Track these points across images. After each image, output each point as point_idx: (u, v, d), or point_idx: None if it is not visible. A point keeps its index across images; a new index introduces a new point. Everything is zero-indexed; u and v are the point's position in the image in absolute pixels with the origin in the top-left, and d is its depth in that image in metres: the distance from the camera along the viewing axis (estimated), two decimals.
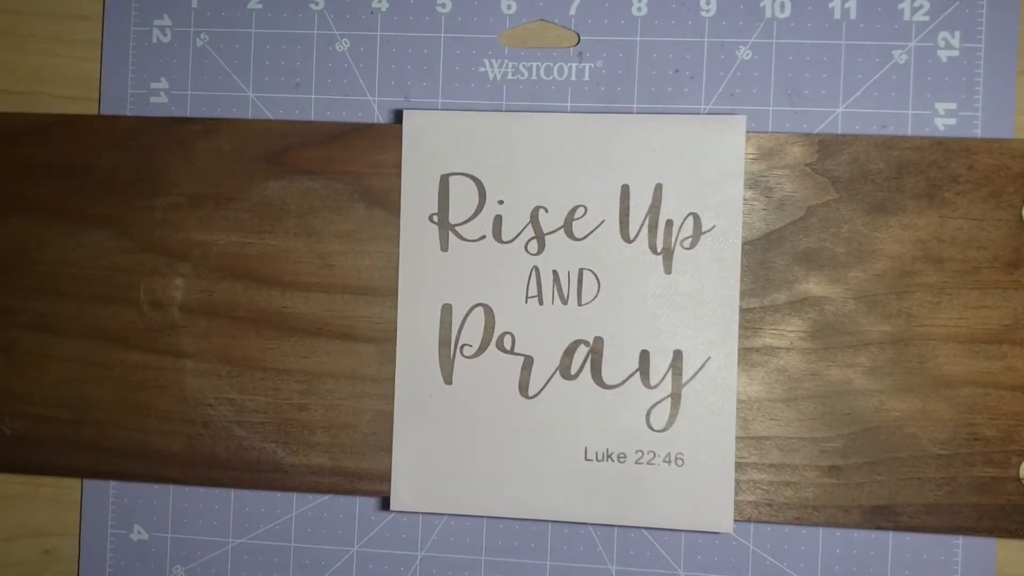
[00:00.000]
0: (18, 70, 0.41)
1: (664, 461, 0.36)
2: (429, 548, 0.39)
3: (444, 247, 0.37)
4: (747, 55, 0.37)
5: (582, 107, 0.38)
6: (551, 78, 0.38)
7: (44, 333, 0.39)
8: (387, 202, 0.38)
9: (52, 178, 0.39)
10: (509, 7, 0.38)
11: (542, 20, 0.38)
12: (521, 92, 0.38)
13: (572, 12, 0.38)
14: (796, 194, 0.36)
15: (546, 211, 0.37)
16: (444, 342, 0.37)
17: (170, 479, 0.39)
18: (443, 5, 0.39)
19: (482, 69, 0.38)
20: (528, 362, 0.37)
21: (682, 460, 0.36)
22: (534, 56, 0.38)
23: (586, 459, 0.37)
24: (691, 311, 0.36)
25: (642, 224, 0.37)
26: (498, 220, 0.37)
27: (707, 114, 0.37)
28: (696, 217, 0.36)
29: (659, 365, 0.36)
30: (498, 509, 0.37)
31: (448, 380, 0.37)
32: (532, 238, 0.37)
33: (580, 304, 0.37)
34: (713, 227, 0.36)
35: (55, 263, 0.39)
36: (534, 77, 0.38)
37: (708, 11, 0.38)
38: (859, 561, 0.37)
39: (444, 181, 0.37)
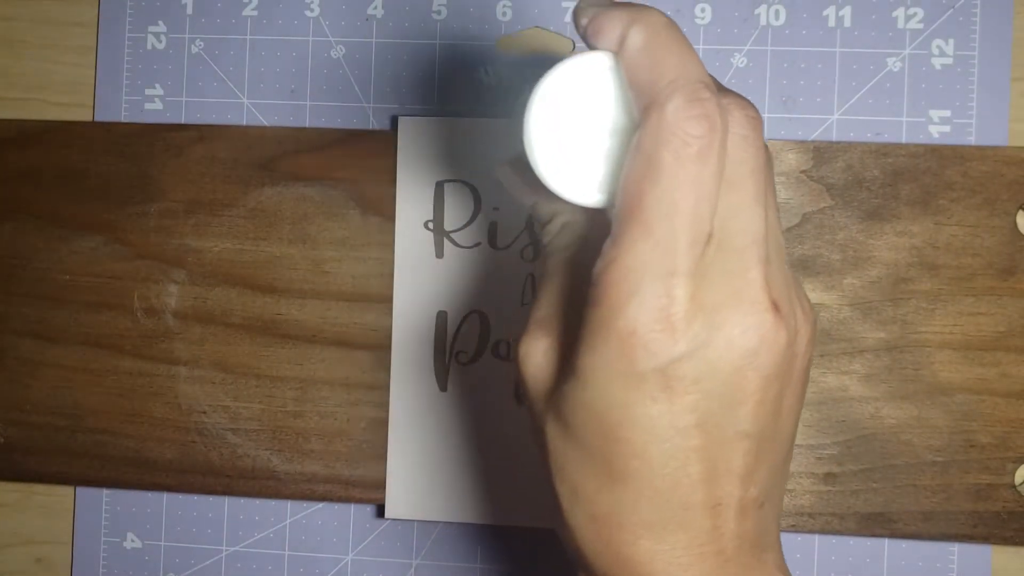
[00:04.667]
0: (12, 76, 0.40)
1: None
2: (424, 556, 0.39)
3: (439, 254, 0.37)
4: (742, 62, 0.37)
5: None
6: None
7: (38, 340, 0.39)
8: (382, 209, 0.38)
9: (46, 185, 0.39)
10: (504, 14, 0.38)
11: (537, 27, 0.39)
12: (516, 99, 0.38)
13: (567, 19, 0.38)
14: (791, 201, 0.36)
15: None
16: (439, 349, 0.37)
17: (164, 487, 0.39)
18: (438, 12, 0.39)
19: (477, 76, 0.39)
20: None
21: None
22: (530, 63, 0.38)
23: None
24: None
25: None
26: (493, 227, 0.37)
27: None
28: None
29: None
30: (493, 517, 0.37)
31: (443, 387, 0.37)
32: (527, 245, 0.37)
33: None
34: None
35: (49, 270, 0.39)
36: (529, 84, 0.38)
37: (703, 19, 0.38)
38: (855, 568, 0.37)
39: (439, 188, 0.37)
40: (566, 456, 0.23)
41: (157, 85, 0.39)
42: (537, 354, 0.24)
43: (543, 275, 0.26)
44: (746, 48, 0.37)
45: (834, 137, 0.37)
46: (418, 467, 0.37)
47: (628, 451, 0.22)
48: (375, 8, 0.39)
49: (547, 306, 0.25)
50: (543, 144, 0.22)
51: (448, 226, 0.37)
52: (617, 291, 0.21)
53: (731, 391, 0.22)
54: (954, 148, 0.36)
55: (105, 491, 0.40)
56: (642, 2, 0.22)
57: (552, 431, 0.24)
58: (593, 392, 0.22)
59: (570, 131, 0.22)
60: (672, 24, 0.21)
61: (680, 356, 0.21)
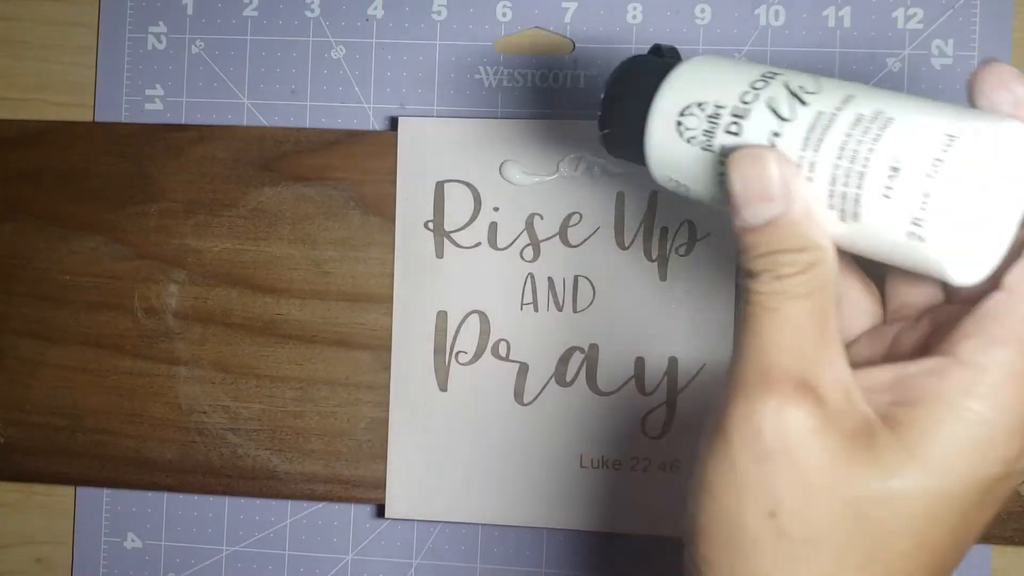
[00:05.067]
0: (13, 76, 0.40)
1: (659, 468, 0.36)
2: (424, 556, 0.39)
3: (439, 254, 0.37)
4: None
5: (577, 115, 0.38)
6: (546, 85, 0.38)
7: (38, 340, 0.39)
8: (382, 209, 0.38)
9: (47, 185, 0.39)
10: (504, 15, 0.39)
11: (537, 28, 0.39)
12: (516, 99, 0.38)
13: (567, 20, 0.38)
14: None
15: (541, 218, 0.37)
16: (439, 349, 0.37)
17: (164, 487, 0.39)
18: (438, 12, 0.39)
19: (477, 76, 0.39)
20: (523, 369, 0.37)
21: (677, 467, 0.36)
22: (529, 63, 0.38)
23: (581, 466, 0.37)
24: (686, 318, 0.36)
25: (637, 231, 0.37)
26: (493, 227, 0.37)
27: None
28: (691, 224, 0.36)
29: (654, 372, 0.36)
30: (493, 516, 0.37)
31: (443, 387, 0.37)
32: (527, 245, 0.37)
33: (575, 311, 0.37)
34: (708, 234, 0.36)
35: (49, 270, 0.39)
36: (529, 84, 0.38)
37: (703, 19, 0.38)
38: None
39: (439, 188, 0.37)
40: (847, 559, 0.20)
41: (157, 85, 0.40)
42: (806, 424, 0.20)
43: (776, 316, 0.21)
44: (746, 48, 0.37)
45: None
46: (418, 467, 0.37)
47: (929, 559, 0.20)
48: (375, 8, 0.39)
49: (797, 361, 0.20)
50: (948, 212, 0.19)
51: (448, 226, 0.37)
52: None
53: None
54: None
55: (105, 491, 0.40)
56: None
57: (839, 526, 0.20)
58: (945, 488, 0.19)
59: (971, 201, 0.20)
60: None
61: None
